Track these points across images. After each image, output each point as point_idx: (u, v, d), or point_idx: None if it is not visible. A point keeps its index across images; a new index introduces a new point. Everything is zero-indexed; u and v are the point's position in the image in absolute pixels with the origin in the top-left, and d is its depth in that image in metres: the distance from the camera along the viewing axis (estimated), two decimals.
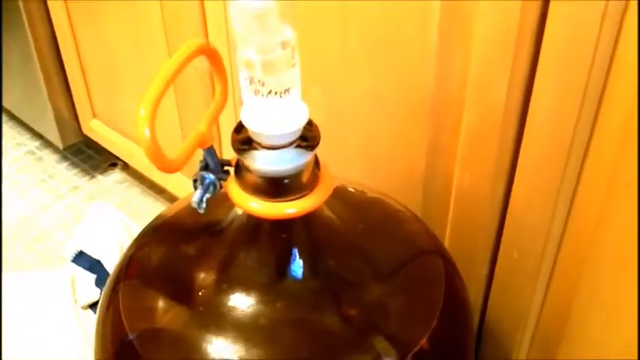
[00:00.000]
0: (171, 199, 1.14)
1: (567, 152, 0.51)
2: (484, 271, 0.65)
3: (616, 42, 0.45)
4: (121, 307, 0.51)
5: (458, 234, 0.65)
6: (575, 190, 0.54)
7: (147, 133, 0.40)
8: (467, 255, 0.63)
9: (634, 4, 0.43)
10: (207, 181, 0.47)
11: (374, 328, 0.50)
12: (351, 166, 0.70)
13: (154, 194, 1.17)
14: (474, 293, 0.65)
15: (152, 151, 0.40)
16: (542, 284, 0.60)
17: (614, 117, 0.48)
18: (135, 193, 1.18)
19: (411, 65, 0.59)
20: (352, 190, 0.57)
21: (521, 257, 0.60)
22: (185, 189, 0.99)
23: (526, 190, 0.56)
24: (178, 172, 0.97)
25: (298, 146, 0.45)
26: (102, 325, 0.54)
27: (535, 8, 0.48)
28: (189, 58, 0.44)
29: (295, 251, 0.49)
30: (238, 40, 0.40)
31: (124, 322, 0.50)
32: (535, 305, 0.62)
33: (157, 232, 0.56)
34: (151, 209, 1.15)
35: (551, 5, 0.47)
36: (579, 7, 0.45)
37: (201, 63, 0.47)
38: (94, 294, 0.90)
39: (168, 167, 0.42)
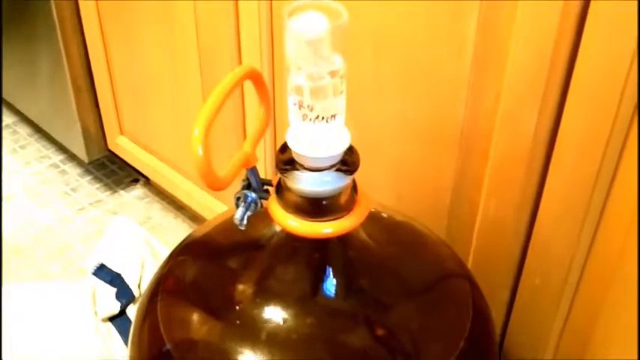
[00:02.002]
0: (191, 215, 1.15)
1: (594, 182, 0.53)
2: (505, 296, 0.66)
3: None
4: (159, 318, 0.52)
5: (481, 259, 0.66)
6: (599, 220, 0.55)
7: (200, 151, 0.42)
8: (489, 280, 0.64)
9: None
10: (250, 199, 0.49)
11: (403, 348, 0.52)
12: (379, 188, 0.71)
13: (174, 211, 1.19)
14: (495, 318, 0.65)
15: (204, 168, 0.42)
16: (563, 311, 0.61)
17: None
18: (155, 209, 1.19)
19: (443, 94, 0.61)
20: (384, 214, 0.59)
21: (544, 284, 0.61)
22: (204, 206, 1.01)
23: (551, 218, 0.57)
24: (200, 191, 1.00)
25: (338, 170, 0.47)
26: (138, 335, 0.55)
27: (568, 41, 0.50)
28: (239, 82, 0.46)
29: (329, 270, 0.51)
30: (290, 66, 0.42)
31: (162, 332, 0.51)
32: (555, 331, 0.63)
33: (193, 247, 0.58)
34: (171, 225, 1.16)
35: (584, 40, 0.49)
36: (611, 45, 0.47)
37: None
38: (115, 307, 0.91)
39: (217, 184, 0.44)
